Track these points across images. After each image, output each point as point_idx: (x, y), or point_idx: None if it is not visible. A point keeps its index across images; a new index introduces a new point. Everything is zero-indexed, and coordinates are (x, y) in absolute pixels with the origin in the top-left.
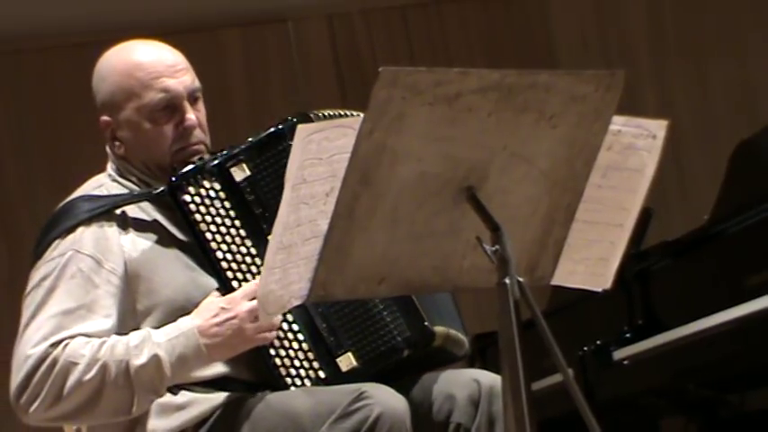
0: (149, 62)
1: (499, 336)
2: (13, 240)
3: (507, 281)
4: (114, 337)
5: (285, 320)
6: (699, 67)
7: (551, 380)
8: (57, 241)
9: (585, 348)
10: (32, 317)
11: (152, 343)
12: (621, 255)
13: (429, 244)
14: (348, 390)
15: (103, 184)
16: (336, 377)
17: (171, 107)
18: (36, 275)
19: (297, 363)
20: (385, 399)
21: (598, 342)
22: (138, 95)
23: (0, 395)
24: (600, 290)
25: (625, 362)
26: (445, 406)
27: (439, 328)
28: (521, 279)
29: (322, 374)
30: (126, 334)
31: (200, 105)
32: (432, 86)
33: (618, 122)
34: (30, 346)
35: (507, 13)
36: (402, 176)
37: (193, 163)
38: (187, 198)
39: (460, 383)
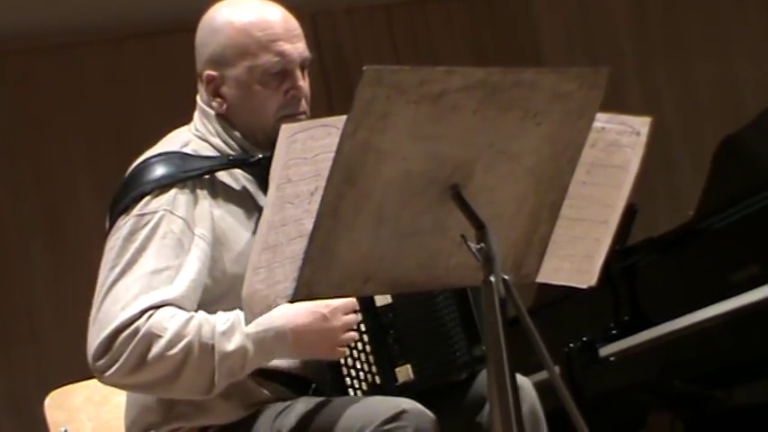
0: (268, 23)
1: (485, 333)
2: None
3: (492, 278)
4: (201, 315)
5: None
6: (683, 64)
7: (538, 377)
8: (148, 197)
9: (572, 345)
10: (122, 275)
11: (241, 332)
12: (606, 251)
13: (415, 242)
14: (387, 406)
15: (191, 140)
16: (390, 386)
17: (283, 72)
18: (124, 227)
19: (358, 365)
20: (418, 424)
21: (584, 339)
22: (253, 55)
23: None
24: (585, 287)
25: (611, 358)
26: (477, 406)
27: None
28: (506, 277)
29: (378, 380)
30: (211, 302)
31: (306, 75)
32: (416, 85)
33: (602, 119)
34: (119, 306)
35: (492, 12)
36: (387, 175)
37: None
38: None
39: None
